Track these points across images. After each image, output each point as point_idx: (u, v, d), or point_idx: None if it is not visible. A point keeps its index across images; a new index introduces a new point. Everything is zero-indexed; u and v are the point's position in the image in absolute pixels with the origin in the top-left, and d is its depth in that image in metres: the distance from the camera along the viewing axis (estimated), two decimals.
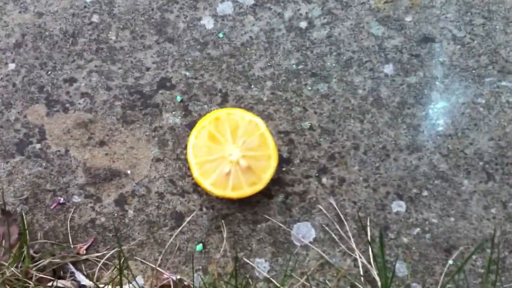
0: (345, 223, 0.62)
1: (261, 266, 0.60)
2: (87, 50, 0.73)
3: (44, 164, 0.65)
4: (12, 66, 0.72)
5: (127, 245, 0.61)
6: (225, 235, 0.61)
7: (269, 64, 0.73)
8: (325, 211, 0.62)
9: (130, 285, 0.57)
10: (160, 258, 0.60)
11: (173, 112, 0.69)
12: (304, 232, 0.62)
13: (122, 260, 0.58)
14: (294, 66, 0.73)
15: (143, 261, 0.60)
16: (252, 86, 0.71)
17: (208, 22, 0.76)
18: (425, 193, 0.64)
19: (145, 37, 0.74)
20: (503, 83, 0.71)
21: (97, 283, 0.58)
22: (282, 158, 0.66)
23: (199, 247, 0.61)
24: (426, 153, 0.66)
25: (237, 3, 0.77)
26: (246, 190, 0.59)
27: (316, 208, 0.63)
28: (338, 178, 0.65)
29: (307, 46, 0.74)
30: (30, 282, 0.56)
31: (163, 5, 0.77)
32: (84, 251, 0.60)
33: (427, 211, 0.63)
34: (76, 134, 0.67)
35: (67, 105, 0.69)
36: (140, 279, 0.59)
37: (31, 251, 0.59)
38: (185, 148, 0.65)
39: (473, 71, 0.72)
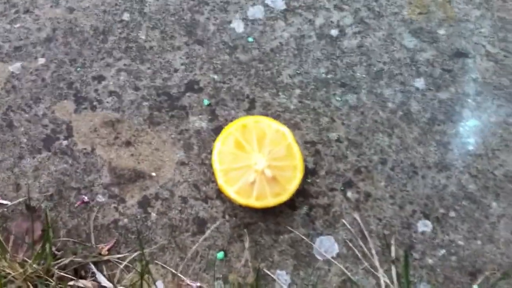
0: (369, 239, 0.61)
1: (281, 278, 0.59)
2: (116, 48, 0.73)
3: (70, 161, 0.65)
4: (42, 60, 0.72)
5: (148, 249, 0.61)
6: (247, 244, 0.61)
7: (298, 71, 0.72)
8: (349, 226, 0.62)
9: None
10: (181, 264, 0.60)
11: (200, 116, 0.69)
12: (327, 246, 0.61)
13: (144, 264, 0.58)
14: (323, 74, 0.72)
15: (164, 265, 0.60)
16: (280, 94, 0.70)
17: (238, 26, 0.75)
18: (452, 213, 0.63)
19: (175, 38, 0.74)
20: None
21: (118, 285, 0.58)
22: (307, 169, 0.65)
23: (220, 255, 0.60)
24: (455, 172, 0.65)
25: (268, 8, 0.77)
26: (270, 200, 0.59)
27: (340, 222, 0.62)
28: (364, 193, 0.64)
29: (337, 55, 0.73)
30: (52, 280, 0.56)
31: (194, 6, 0.76)
32: (106, 252, 0.60)
33: (453, 233, 0.62)
34: (103, 133, 0.67)
35: (95, 103, 0.69)
36: (160, 284, 0.59)
37: (53, 249, 0.59)
38: (210, 153, 0.65)
39: (507, 90, 0.71)
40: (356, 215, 0.62)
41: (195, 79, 0.71)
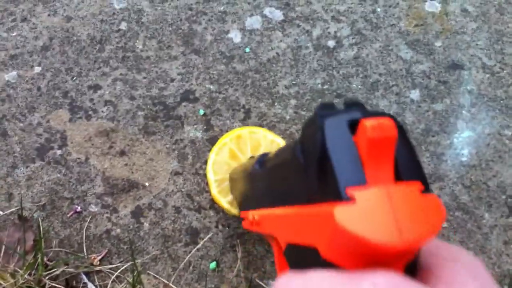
0: None
1: None
2: (113, 58, 0.73)
3: (63, 171, 0.65)
4: (38, 69, 0.72)
5: (140, 259, 0.60)
6: (239, 254, 0.61)
7: (294, 82, 0.72)
8: None
9: None
10: (173, 274, 0.60)
11: (195, 126, 0.69)
12: None
13: (135, 275, 0.57)
14: (319, 85, 0.72)
15: (156, 276, 0.60)
16: (276, 104, 0.70)
17: (235, 36, 0.75)
18: (445, 224, 0.63)
19: (172, 47, 0.74)
20: None
21: None
22: None
23: (213, 265, 0.60)
24: (449, 183, 0.65)
25: (266, 18, 0.77)
26: None
27: None
28: None
29: (333, 66, 0.73)
30: None
31: (192, 16, 0.77)
32: (98, 262, 0.60)
33: None
34: (97, 142, 0.67)
35: (90, 112, 0.69)
36: None
37: (45, 259, 0.59)
38: (205, 163, 0.65)
39: (501, 102, 0.71)
40: None
41: (191, 89, 0.71)
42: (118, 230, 0.62)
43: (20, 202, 0.63)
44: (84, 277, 0.59)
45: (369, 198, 0.21)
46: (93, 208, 0.63)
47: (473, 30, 0.76)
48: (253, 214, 0.39)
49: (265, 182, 0.37)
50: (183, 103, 0.70)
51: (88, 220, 0.62)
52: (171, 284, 0.59)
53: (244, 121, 0.69)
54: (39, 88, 0.71)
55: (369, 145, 0.22)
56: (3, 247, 0.59)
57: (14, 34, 0.75)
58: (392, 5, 0.78)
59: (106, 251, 0.61)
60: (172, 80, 0.72)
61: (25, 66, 0.72)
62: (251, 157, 0.57)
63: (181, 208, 0.63)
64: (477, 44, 0.75)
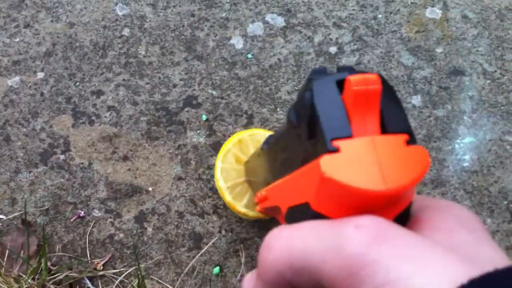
0: None
1: None
2: (116, 63, 0.74)
3: (67, 176, 0.65)
4: (41, 75, 0.72)
5: (144, 264, 0.60)
6: (243, 259, 0.61)
7: (296, 88, 0.72)
8: None
9: None
10: (177, 279, 0.60)
11: (198, 131, 0.69)
12: None
13: (140, 279, 0.57)
14: None
15: (160, 281, 0.60)
16: (278, 109, 0.71)
17: (237, 42, 0.76)
18: None
19: (174, 53, 0.74)
20: None
21: None
22: None
23: (216, 270, 0.60)
24: (450, 189, 0.66)
25: (268, 25, 0.77)
26: None
27: None
28: None
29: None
30: None
31: (194, 22, 0.77)
32: (101, 267, 0.60)
33: None
34: (100, 147, 0.67)
35: (93, 117, 0.69)
36: None
37: (49, 264, 0.59)
38: (207, 168, 0.65)
39: (502, 107, 0.71)
40: None
41: (193, 94, 0.71)
42: (122, 235, 0.62)
43: (23, 207, 0.63)
44: (87, 282, 0.59)
45: (354, 148, 0.22)
46: (96, 213, 0.63)
47: (473, 36, 0.77)
48: (261, 192, 0.40)
49: (270, 158, 0.38)
50: (186, 109, 0.70)
51: (92, 225, 0.62)
52: None
53: (247, 127, 0.69)
54: (42, 94, 0.71)
55: (354, 98, 0.23)
56: (7, 252, 0.59)
57: (17, 40, 0.75)
58: (393, 11, 0.78)
59: (110, 256, 0.61)
60: (175, 85, 0.72)
61: (28, 71, 0.72)
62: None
63: (184, 213, 0.63)
64: (477, 50, 0.76)
